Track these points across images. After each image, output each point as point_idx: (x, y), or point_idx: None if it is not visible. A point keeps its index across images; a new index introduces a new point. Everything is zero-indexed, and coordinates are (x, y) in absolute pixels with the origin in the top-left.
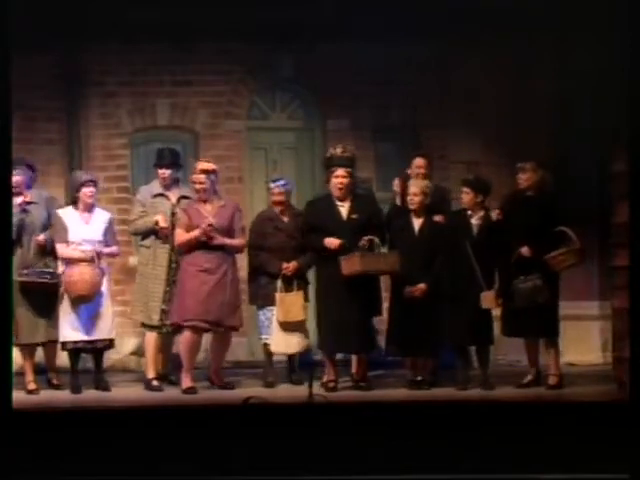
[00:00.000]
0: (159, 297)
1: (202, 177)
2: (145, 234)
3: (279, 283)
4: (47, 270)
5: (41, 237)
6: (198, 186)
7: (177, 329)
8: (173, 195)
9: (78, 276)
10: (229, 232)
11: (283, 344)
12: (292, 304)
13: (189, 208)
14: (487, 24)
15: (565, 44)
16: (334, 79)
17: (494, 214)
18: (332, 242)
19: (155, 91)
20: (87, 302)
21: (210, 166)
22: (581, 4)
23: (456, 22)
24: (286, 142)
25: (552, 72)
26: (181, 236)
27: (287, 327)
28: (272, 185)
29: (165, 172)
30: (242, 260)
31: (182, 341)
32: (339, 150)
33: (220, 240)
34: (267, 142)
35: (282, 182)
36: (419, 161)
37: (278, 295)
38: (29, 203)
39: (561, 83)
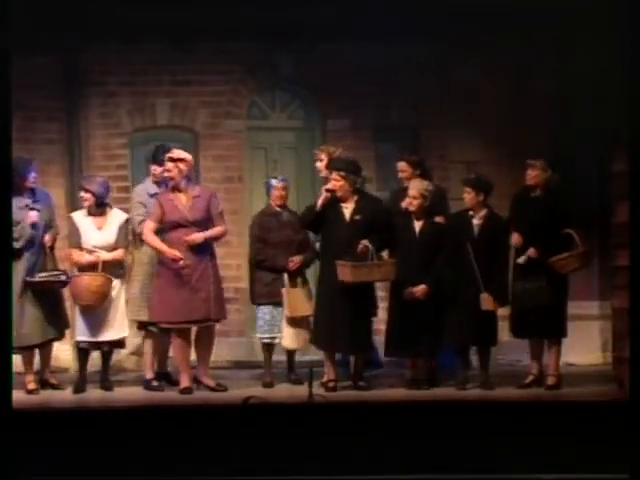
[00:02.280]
0: None
1: (169, 165)
2: None
3: (285, 278)
4: (60, 270)
5: (47, 238)
6: (166, 174)
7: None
8: None
9: (84, 287)
10: (207, 222)
11: (292, 339)
12: (298, 299)
13: (163, 199)
14: (487, 24)
15: (565, 44)
16: (334, 79)
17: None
18: (322, 197)
19: (155, 91)
20: (95, 309)
21: (178, 155)
22: (581, 4)
23: (456, 22)
24: (286, 142)
25: (552, 72)
26: (150, 235)
27: (295, 322)
28: (274, 182)
29: (156, 169)
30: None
31: (173, 343)
32: (330, 150)
33: (199, 238)
34: (267, 142)
35: (283, 178)
36: (400, 165)
37: (285, 290)
38: (36, 201)
39: (561, 83)
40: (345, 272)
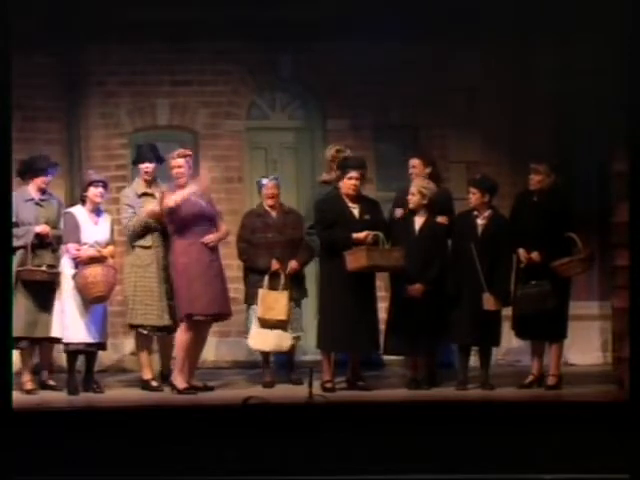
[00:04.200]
0: (169, 295)
1: (181, 161)
2: (142, 232)
3: (265, 280)
4: (52, 264)
5: (38, 228)
6: (177, 170)
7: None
8: (156, 192)
9: (93, 277)
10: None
11: (260, 341)
12: (275, 302)
13: (173, 194)
14: (487, 24)
15: (565, 44)
16: (334, 79)
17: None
18: (362, 235)
19: (155, 91)
20: (103, 302)
21: (185, 152)
22: (581, 4)
23: (456, 22)
24: (286, 142)
25: (552, 72)
26: (174, 195)
27: (266, 324)
28: (265, 181)
29: (149, 167)
30: (231, 259)
31: (188, 340)
32: (334, 150)
33: (216, 238)
34: (267, 142)
35: (275, 177)
36: (412, 161)
37: (261, 291)
38: (43, 199)
39: (561, 83)
40: (360, 257)
